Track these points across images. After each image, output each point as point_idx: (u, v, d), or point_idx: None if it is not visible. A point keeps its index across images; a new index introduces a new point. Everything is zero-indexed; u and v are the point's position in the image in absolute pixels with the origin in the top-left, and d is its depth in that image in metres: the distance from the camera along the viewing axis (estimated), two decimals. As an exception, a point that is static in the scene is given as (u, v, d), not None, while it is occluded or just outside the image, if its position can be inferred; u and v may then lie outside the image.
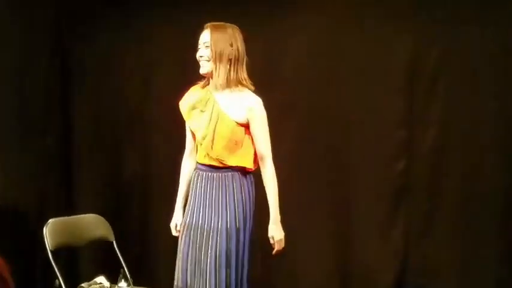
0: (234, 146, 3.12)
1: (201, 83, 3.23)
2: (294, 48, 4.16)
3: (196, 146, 3.25)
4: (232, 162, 3.12)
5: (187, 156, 3.33)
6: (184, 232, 3.19)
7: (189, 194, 3.23)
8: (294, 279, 4.22)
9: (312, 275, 4.17)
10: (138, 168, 4.55)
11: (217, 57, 3.09)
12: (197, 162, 3.23)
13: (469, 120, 3.87)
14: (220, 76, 3.11)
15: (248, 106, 3.12)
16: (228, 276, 3.09)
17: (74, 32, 4.57)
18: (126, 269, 3.63)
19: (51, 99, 4.54)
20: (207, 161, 3.16)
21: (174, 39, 4.36)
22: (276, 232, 3.14)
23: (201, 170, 3.19)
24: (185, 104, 3.26)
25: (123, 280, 3.56)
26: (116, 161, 4.59)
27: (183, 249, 3.18)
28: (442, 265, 3.93)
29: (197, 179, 3.20)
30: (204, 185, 3.16)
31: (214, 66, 3.11)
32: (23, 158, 4.37)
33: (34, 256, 4.06)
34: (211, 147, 3.12)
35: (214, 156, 3.12)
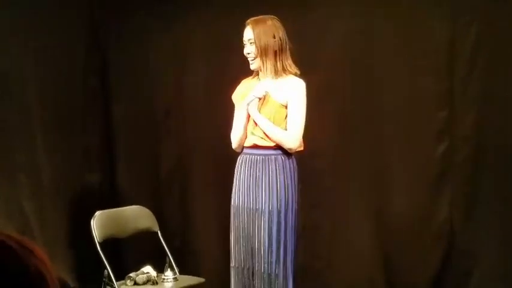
0: (278, 124, 3.24)
1: (251, 76, 3.37)
2: (331, 31, 4.14)
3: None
4: None
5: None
6: (234, 214, 3.31)
7: (234, 178, 3.34)
8: (338, 265, 4.21)
9: (356, 258, 4.15)
10: (178, 158, 4.59)
11: (263, 52, 3.23)
12: (243, 147, 3.34)
13: (510, 98, 3.80)
14: (268, 69, 3.25)
15: (290, 87, 3.25)
16: (270, 256, 3.20)
17: (109, 26, 4.63)
18: (171, 258, 3.68)
19: (90, 93, 4.61)
20: (253, 140, 3.27)
21: (209, 28, 4.38)
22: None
23: (246, 154, 3.32)
24: (237, 94, 3.41)
25: (169, 269, 3.62)
26: (155, 153, 4.64)
27: (234, 231, 3.31)
28: (487, 247, 3.88)
29: (242, 163, 3.32)
30: (249, 168, 3.27)
31: (261, 61, 3.24)
32: (66, 152, 4.45)
33: (81, 248, 4.13)
34: (256, 125, 3.26)
35: (259, 134, 3.25)
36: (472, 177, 3.90)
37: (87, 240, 3.65)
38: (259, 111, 3.26)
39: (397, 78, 4.01)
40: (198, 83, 4.47)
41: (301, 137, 3.27)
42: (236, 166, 3.35)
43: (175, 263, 3.70)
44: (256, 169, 3.26)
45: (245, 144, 3.33)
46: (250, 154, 3.30)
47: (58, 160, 4.39)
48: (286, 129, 3.25)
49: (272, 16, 3.29)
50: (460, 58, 3.88)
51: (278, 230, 3.20)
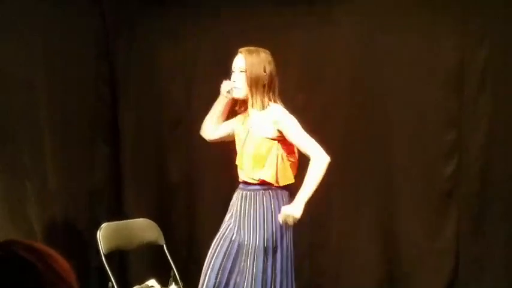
0: (259, 161, 3.13)
1: (242, 112, 3.28)
2: (340, 47, 4.13)
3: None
4: (256, 176, 3.15)
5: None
6: (220, 243, 3.20)
7: (229, 210, 3.27)
8: (345, 280, 4.19)
9: (361, 276, 4.13)
10: (185, 170, 4.57)
11: (253, 83, 3.12)
12: (239, 182, 3.27)
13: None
14: (257, 102, 3.13)
15: (273, 119, 3.12)
16: None
17: (118, 38, 4.63)
18: (176, 272, 3.67)
19: (99, 102, 4.61)
20: (242, 176, 3.22)
21: (215, 43, 4.37)
22: (295, 211, 3.00)
23: (239, 188, 3.25)
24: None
25: (173, 283, 3.60)
26: (161, 166, 4.62)
27: (214, 259, 3.19)
28: (494, 266, 3.86)
29: (236, 197, 3.25)
30: (240, 203, 3.20)
31: (250, 92, 3.14)
32: (72, 160, 4.44)
33: (86, 260, 4.11)
34: (242, 163, 3.19)
35: (244, 173, 3.18)
36: (480, 196, 3.89)
37: (90, 250, 3.64)
38: (244, 147, 3.15)
39: (405, 96, 3.99)
40: (208, 94, 4.43)
41: (319, 145, 3.08)
42: (231, 201, 3.27)
43: (179, 277, 3.68)
44: (246, 204, 3.16)
45: (239, 180, 3.23)
46: (242, 189, 3.21)
47: (64, 168, 4.37)
48: (282, 160, 3.11)
49: (265, 50, 3.17)
50: (470, 77, 3.86)
51: (264, 270, 3.06)
